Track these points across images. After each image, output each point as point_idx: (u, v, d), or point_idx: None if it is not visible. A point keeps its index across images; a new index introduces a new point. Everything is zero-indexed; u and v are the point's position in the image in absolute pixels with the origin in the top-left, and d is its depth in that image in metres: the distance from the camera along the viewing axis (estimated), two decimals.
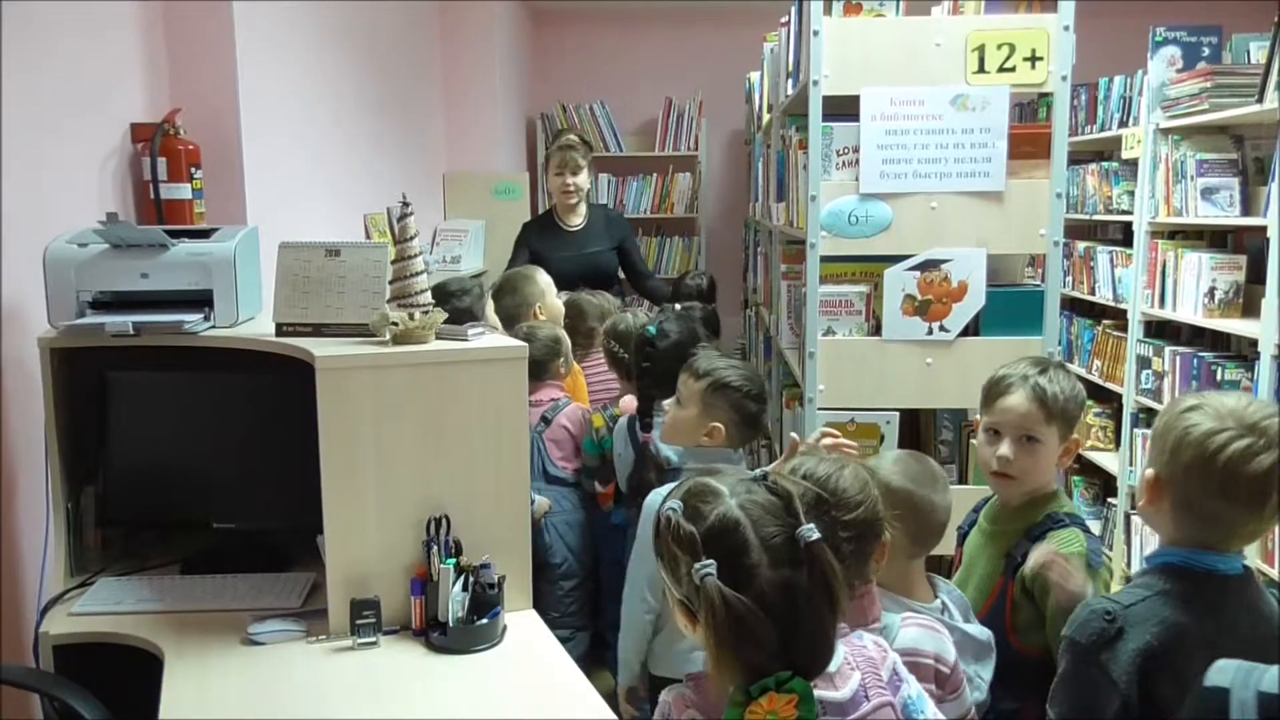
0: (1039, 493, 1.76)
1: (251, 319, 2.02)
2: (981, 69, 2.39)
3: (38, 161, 2.09)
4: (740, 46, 5.73)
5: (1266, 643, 1.34)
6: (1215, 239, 3.66)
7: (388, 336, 1.78)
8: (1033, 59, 2.38)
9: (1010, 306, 2.47)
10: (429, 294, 1.82)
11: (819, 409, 2.49)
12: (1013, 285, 2.64)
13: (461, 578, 1.69)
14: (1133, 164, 3.93)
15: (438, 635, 1.68)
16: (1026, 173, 2.44)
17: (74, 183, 2.23)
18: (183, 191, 2.44)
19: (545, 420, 2.72)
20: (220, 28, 2.62)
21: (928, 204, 2.42)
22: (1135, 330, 3.86)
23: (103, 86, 2.33)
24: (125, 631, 1.74)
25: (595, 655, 2.72)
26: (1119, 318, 4.10)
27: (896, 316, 2.45)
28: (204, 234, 2.02)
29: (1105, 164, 4.31)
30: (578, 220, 3.89)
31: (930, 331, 2.45)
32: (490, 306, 2.79)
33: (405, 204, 1.84)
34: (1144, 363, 3.80)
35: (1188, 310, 3.49)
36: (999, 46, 2.38)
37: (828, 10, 2.43)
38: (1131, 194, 4.01)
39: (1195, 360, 3.44)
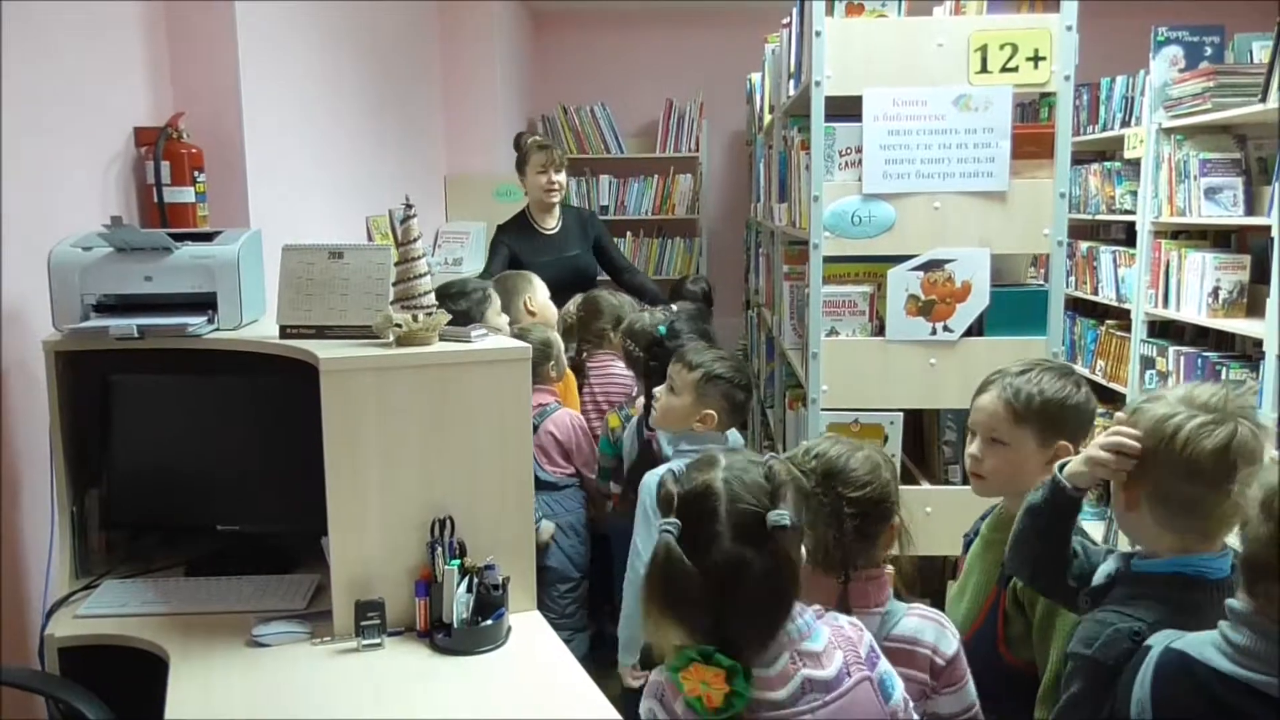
0: None
1: (255, 321, 2.02)
2: (984, 69, 2.39)
3: (42, 165, 2.09)
4: (741, 47, 5.73)
5: None
6: (1219, 239, 3.65)
7: (391, 338, 1.78)
8: (1035, 59, 2.38)
9: (1014, 307, 2.47)
10: (432, 296, 1.82)
11: (822, 410, 2.49)
12: (1016, 285, 2.63)
13: (466, 579, 1.69)
14: (1135, 164, 3.93)
15: (442, 637, 1.68)
16: (1030, 173, 2.43)
17: (78, 186, 2.23)
18: (186, 195, 2.44)
19: (533, 426, 2.71)
20: (222, 31, 2.62)
21: (931, 204, 2.42)
22: (1139, 330, 3.85)
23: (106, 90, 2.33)
24: (130, 634, 1.74)
25: (596, 656, 2.72)
26: (1122, 318, 4.10)
27: (900, 317, 2.45)
28: (207, 237, 2.02)
29: (1108, 164, 4.31)
30: (553, 223, 3.79)
31: (934, 332, 2.45)
32: (497, 306, 2.77)
33: (408, 206, 1.84)
34: (1148, 363, 3.79)
35: (1191, 310, 3.48)
36: (1001, 46, 2.38)
37: (829, 11, 2.43)
38: (1134, 194, 4.01)
39: (1199, 360, 3.44)
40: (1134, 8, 4.95)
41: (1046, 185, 2.42)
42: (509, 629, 1.72)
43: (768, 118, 3.87)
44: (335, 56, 3.50)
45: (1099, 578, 1.42)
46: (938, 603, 1.65)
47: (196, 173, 2.46)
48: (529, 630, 1.75)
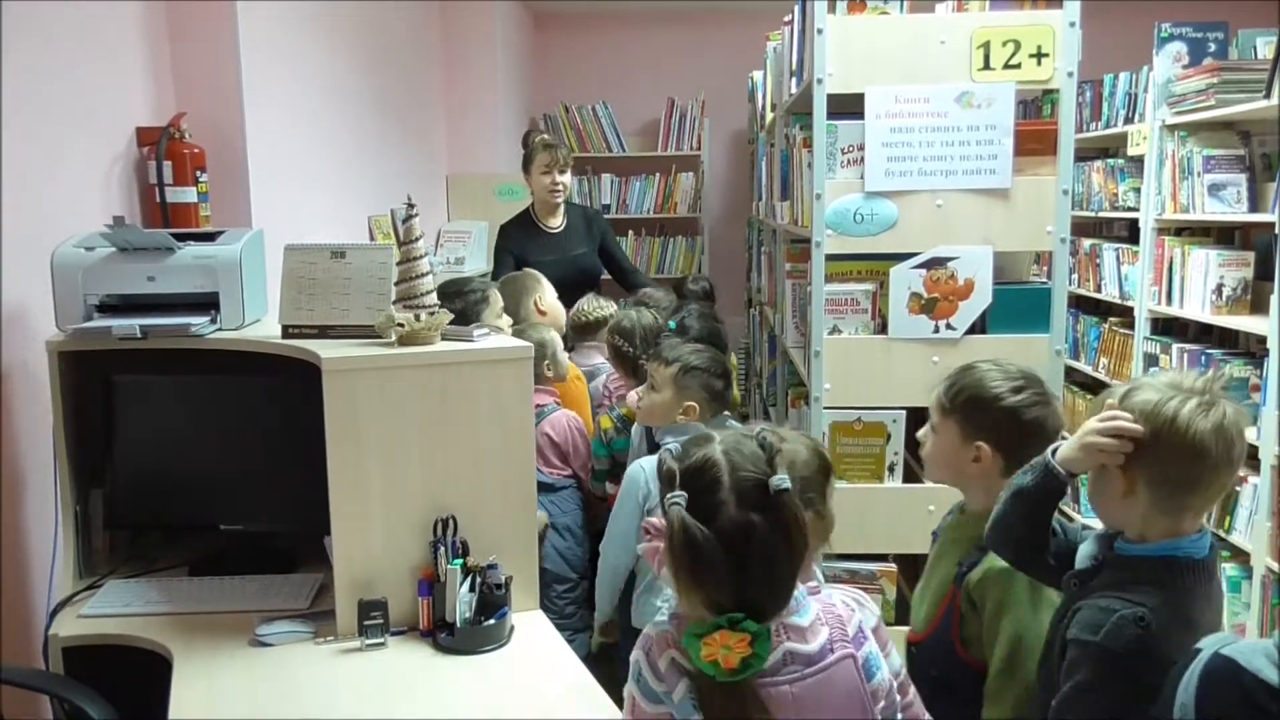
0: (982, 503, 1.65)
1: (257, 321, 2.02)
2: (987, 66, 2.38)
3: (44, 166, 2.09)
4: (742, 46, 5.72)
5: (1223, 608, 1.41)
6: (1222, 235, 3.65)
7: (393, 338, 1.78)
8: (1038, 55, 2.37)
9: (1017, 304, 2.47)
10: (434, 295, 1.82)
11: (825, 408, 2.48)
12: (1019, 283, 2.63)
13: (469, 578, 1.69)
14: (1139, 160, 3.92)
15: (445, 636, 1.68)
16: (1032, 170, 2.43)
17: (80, 187, 2.23)
18: (188, 195, 2.44)
19: None
20: (224, 32, 2.62)
21: (933, 202, 2.42)
22: (1142, 328, 3.85)
23: (108, 91, 2.33)
24: (134, 633, 1.74)
25: (597, 656, 2.72)
26: (1125, 315, 4.09)
27: (902, 315, 2.45)
28: (209, 237, 2.02)
29: (1111, 161, 4.30)
30: (558, 222, 3.78)
31: (936, 330, 2.45)
32: (496, 308, 2.77)
33: (410, 205, 1.84)
34: (1151, 360, 3.79)
35: (1195, 307, 3.47)
36: (1004, 43, 2.38)
37: (832, 8, 2.42)
38: (1137, 191, 4.00)
39: (1203, 357, 3.43)
40: (1137, 4, 4.93)
41: (1049, 182, 2.41)
42: (512, 628, 1.72)
43: (770, 116, 3.86)
44: (337, 56, 3.50)
45: (1082, 560, 1.43)
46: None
47: (198, 173, 2.46)
48: (532, 630, 1.75)
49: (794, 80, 2.95)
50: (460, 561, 1.69)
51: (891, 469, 2.52)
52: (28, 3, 2.03)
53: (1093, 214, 4.48)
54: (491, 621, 1.68)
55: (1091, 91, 4.53)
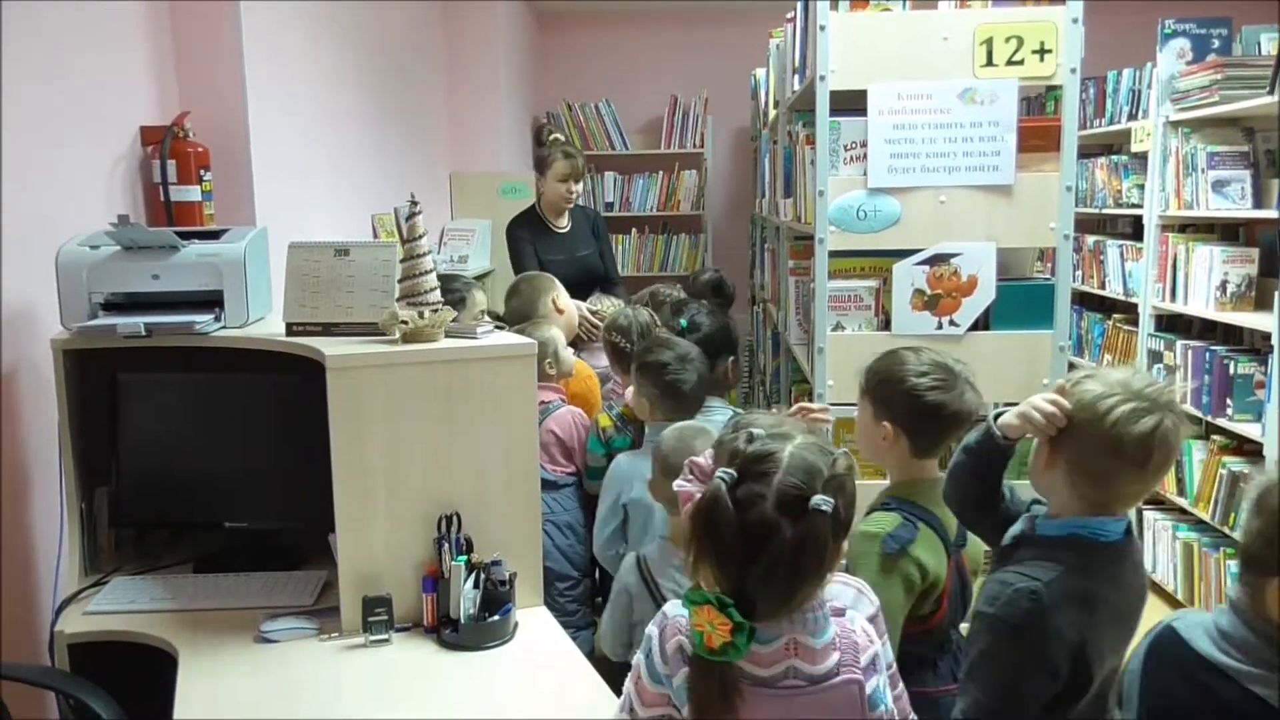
0: (896, 479, 1.84)
1: (261, 319, 2.03)
2: (990, 62, 2.38)
3: (49, 165, 2.10)
4: (745, 43, 5.72)
5: (1144, 591, 1.48)
6: (1227, 232, 3.64)
7: (397, 335, 1.78)
8: (1041, 52, 2.37)
9: (1020, 301, 2.46)
10: (438, 292, 1.82)
11: (829, 404, 2.48)
12: (1023, 279, 2.63)
13: (473, 575, 1.69)
14: (1142, 157, 3.92)
15: (449, 632, 1.68)
16: (1036, 166, 2.43)
17: (85, 186, 2.24)
18: (192, 193, 2.44)
19: None
20: (228, 31, 2.62)
21: (936, 198, 2.41)
22: (1146, 324, 3.84)
23: (112, 90, 2.34)
24: (139, 630, 1.75)
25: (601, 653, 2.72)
26: (1129, 312, 4.08)
27: (906, 311, 2.45)
28: (214, 235, 2.02)
29: (1114, 157, 4.29)
30: (565, 222, 3.84)
31: (940, 326, 2.45)
32: (474, 310, 2.78)
33: (414, 203, 1.84)
34: (1155, 357, 3.78)
35: (1199, 303, 3.47)
36: (1007, 39, 2.37)
37: (835, 5, 2.42)
38: (1141, 187, 3.99)
39: (1207, 354, 3.43)
40: (1141, 0, 4.92)
41: (1053, 179, 2.41)
42: (516, 625, 1.73)
43: (772, 113, 3.86)
44: (340, 54, 3.50)
45: (1007, 539, 1.50)
46: None
47: (202, 171, 2.46)
48: (536, 626, 1.76)
49: (797, 77, 2.95)
50: (464, 558, 1.70)
51: None
52: (31, 2, 2.04)
53: (1096, 210, 4.47)
54: (495, 618, 1.68)
55: (1095, 88, 4.52)
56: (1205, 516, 3.42)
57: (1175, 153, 3.59)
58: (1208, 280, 3.40)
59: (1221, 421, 3.32)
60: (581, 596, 2.73)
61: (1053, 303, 2.45)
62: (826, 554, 1.20)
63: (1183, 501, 3.58)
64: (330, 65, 3.40)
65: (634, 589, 1.95)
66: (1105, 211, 4.42)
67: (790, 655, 1.20)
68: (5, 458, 1.95)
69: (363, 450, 1.70)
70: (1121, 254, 4.15)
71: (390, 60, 4.10)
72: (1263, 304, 3.28)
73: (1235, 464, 3.30)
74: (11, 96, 1.98)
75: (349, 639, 1.70)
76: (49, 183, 2.10)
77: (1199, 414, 3.47)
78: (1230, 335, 3.57)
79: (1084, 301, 4.54)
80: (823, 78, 2.39)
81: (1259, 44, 3.53)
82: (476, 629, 1.67)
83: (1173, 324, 3.81)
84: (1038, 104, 4.62)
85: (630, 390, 2.49)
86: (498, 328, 2.02)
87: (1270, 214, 3.20)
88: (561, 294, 3.12)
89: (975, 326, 2.46)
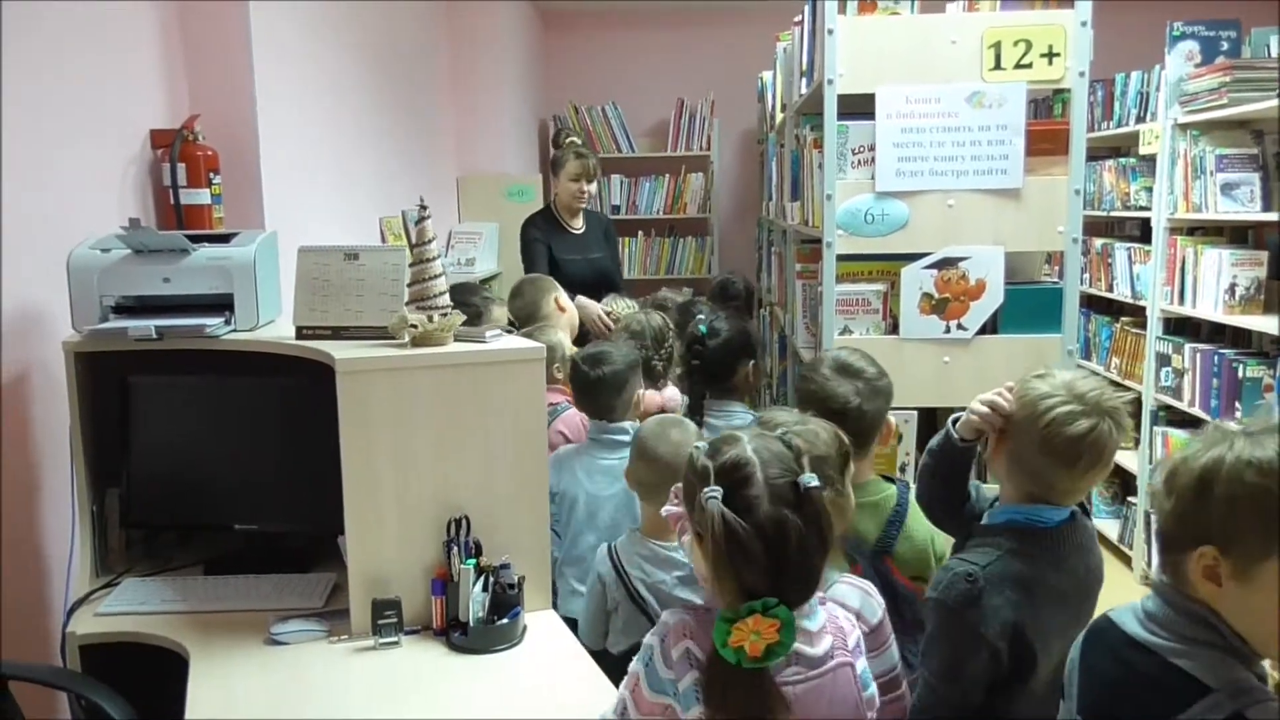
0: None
1: (271, 322, 2.04)
2: (998, 66, 2.38)
3: (60, 167, 2.11)
4: (752, 46, 5.72)
5: (1096, 574, 1.56)
6: (1235, 235, 3.63)
7: (406, 339, 1.79)
8: (1049, 55, 2.37)
9: (1028, 304, 2.46)
10: (447, 296, 1.83)
11: None
12: (1031, 283, 2.63)
13: (482, 578, 1.70)
14: (1150, 160, 3.91)
15: (458, 635, 1.69)
16: (1044, 169, 2.43)
17: (96, 189, 2.25)
18: (202, 197, 2.45)
19: None
20: (236, 35, 2.63)
21: (944, 202, 2.42)
22: (1154, 327, 3.83)
23: (121, 94, 2.35)
24: (150, 631, 1.75)
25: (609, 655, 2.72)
26: (1137, 315, 4.07)
27: (914, 315, 2.45)
28: (224, 239, 2.03)
29: (1122, 160, 4.28)
30: (579, 224, 3.88)
31: (948, 330, 2.45)
32: (494, 321, 2.80)
33: (423, 207, 1.85)
34: (1163, 360, 3.77)
35: (1208, 307, 3.46)
36: (1015, 43, 2.37)
37: (842, 9, 2.43)
38: (1149, 190, 3.98)
39: (1216, 357, 3.42)
40: (1149, 3, 4.91)
41: (1061, 182, 2.41)
42: (524, 628, 1.73)
43: (779, 116, 3.87)
44: (348, 58, 3.51)
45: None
46: None
47: (212, 175, 2.47)
48: (544, 629, 1.76)
49: (804, 81, 2.95)
50: (473, 561, 1.70)
51: (903, 469, 2.51)
52: (41, 6, 2.05)
53: (1104, 213, 4.46)
54: (504, 621, 1.69)
55: (1103, 90, 4.52)
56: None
57: (1184, 155, 3.59)
58: (1216, 283, 3.40)
59: (1230, 425, 3.30)
60: None
61: (1061, 306, 2.45)
62: (831, 522, 1.25)
63: None
64: (337, 68, 3.41)
65: (607, 578, 1.95)
66: (1113, 214, 4.41)
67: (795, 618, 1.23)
68: (17, 460, 1.96)
69: (372, 453, 1.71)
70: (1130, 257, 4.14)
71: (397, 63, 4.11)
72: (1271, 307, 3.27)
73: None
74: (23, 99, 1.99)
75: (358, 641, 1.70)
76: (60, 185, 2.11)
77: (1207, 417, 3.46)
78: (1239, 338, 3.56)
79: (1092, 304, 4.53)
80: (830, 81, 2.40)
81: (1268, 46, 3.52)
82: (485, 632, 1.68)
83: (1181, 327, 3.80)
84: (1045, 106, 4.62)
85: (648, 395, 2.49)
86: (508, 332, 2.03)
87: (1279, 217, 3.19)
88: (562, 294, 3.14)
89: (983, 330, 2.46)
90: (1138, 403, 3.98)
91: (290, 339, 1.86)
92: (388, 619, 1.68)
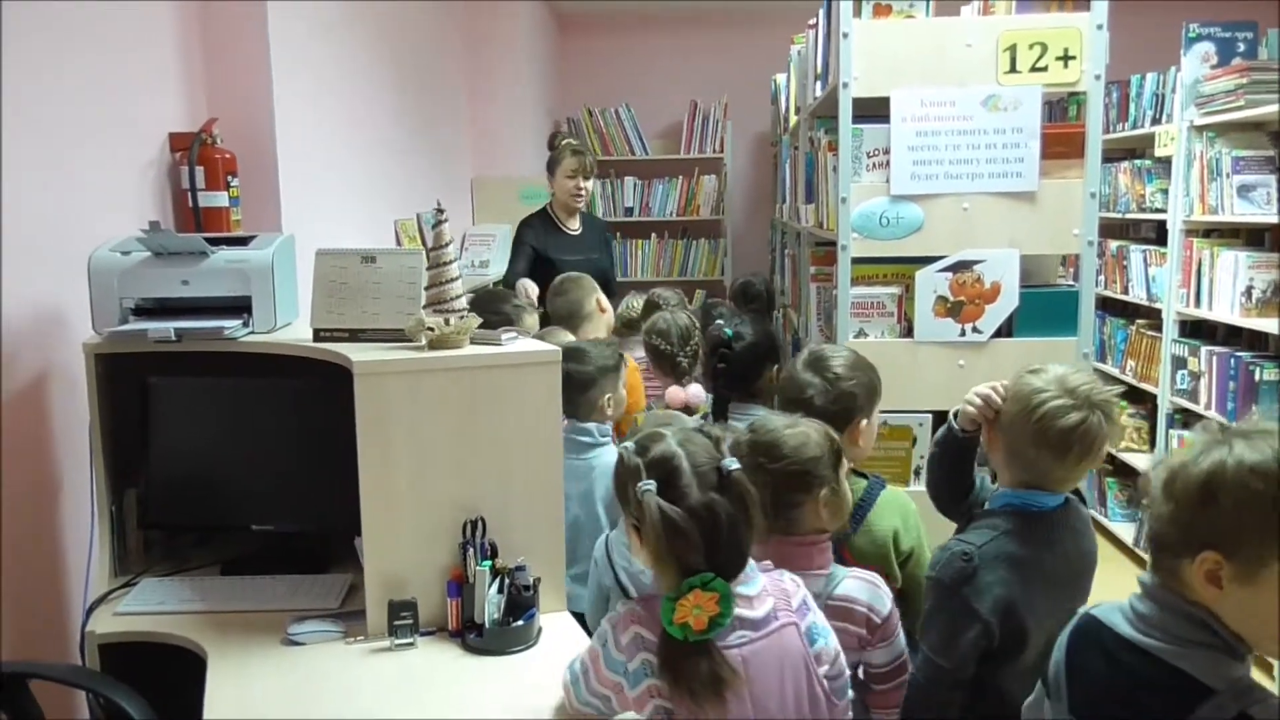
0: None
1: (289, 325, 2.05)
2: (1013, 69, 2.38)
3: (80, 171, 2.13)
4: (765, 49, 5.72)
5: (1088, 558, 1.64)
6: (1252, 237, 3.61)
7: (423, 341, 1.80)
8: (1065, 58, 2.37)
9: (1044, 307, 2.46)
10: (464, 299, 1.84)
11: None
12: (1046, 286, 2.62)
13: (497, 580, 1.70)
14: (1166, 162, 3.89)
15: (474, 637, 1.70)
16: (1059, 172, 2.42)
17: (115, 191, 2.27)
18: (220, 199, 2.47)
19: None
20: (255, 38, 2.65)
21: (959, 205, 2.41)
22: (1170, 330, 3.81)
23: (141, 97, 2.37)
24: (168, 631, 1.77)
25: None
26: (1153, 317, 4.05)
27: (928, 318, 2.44)
28: (242, 241, 2.05)
29: (1138, 162, 4.26)
30: (576, 224, 3.87)
31: (963, 333, 2.44)
32: (528, 323, 2.82)
33: (440, 210, 1.86)
34: (1179, 363, 3.75)
35: (1224, 309, 3.44)
36: (1031, 46, 2.37)
37: (857, 12, 2.43)
38: (1165, 192, 3.96)
39: (1232, 360, 3.40)
40: (1165, 4, 4.89)
41: (1076, 185, 2.40)
42: (540, 629, 1.74)
43: (793, 119, 3.87)
44: (364, 62, 3.53)
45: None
46: None
47: (230, 177, 2.49)
48: (560, 631, 1.76)
49: (819, 84, 2.96)
50: (489, 563, 1.71)
51: (917, 472, 2.51)
52: (62, 7, 2.07)
53: (1120, 215, 4.44)
54: (520, 622, 1.69)
55: (1118, 92, 4.50)
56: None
57: (1200, 157, 3.57)
58: (1232, 286, 3.38)
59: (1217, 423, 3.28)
60: None
61: (1076, 309, 2.44)
62: (756, 500, 1.37)
63: None
64: (354, 72, 3.43)
65: (601, 565, 2.02)
66: (1128, 216, 4.39)
67: (733, 605, 1.34)
68: (37, 460, 1.99)
69: (389, 455, 1.72)
70: (1145, 259, 4.12)
71: (412, 65, 4.13)
72: None
73: None
74: (43, 102, 2.01)
75: (374, 642, 1.71)
76: (80, 187, 2.13)
77: (1224, 420, 3.44)
78: (1256, 341, 3.54)
79: (1107, 307, 4.51)
80: (845, 85, 2.40)
81: None
82: (501, 633, 1.68)
83: (1197, 330, 3.78)
84: (1060, 108, 4.60)
85: (672, 391, 2.51)
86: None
87: None
88: (601, 294, 3.18)
89: (998, 333, 2.45)
90: (1153, 406, 3.96)
91: (308, 341, 1.87)
92: (404, 620, 1.69)
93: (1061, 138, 2.44)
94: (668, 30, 6.27)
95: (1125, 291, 4.32)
